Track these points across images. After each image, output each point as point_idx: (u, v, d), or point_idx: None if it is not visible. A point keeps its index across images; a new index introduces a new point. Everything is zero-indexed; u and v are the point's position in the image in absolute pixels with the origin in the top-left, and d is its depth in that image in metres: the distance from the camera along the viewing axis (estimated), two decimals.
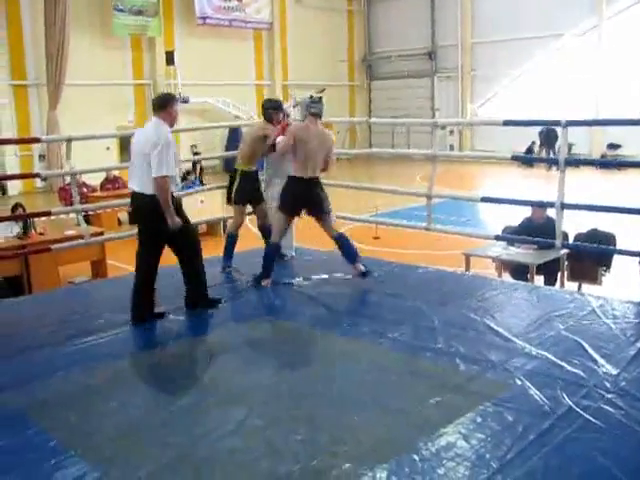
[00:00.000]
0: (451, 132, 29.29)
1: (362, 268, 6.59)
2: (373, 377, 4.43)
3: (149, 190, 5.29)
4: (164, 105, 5.44)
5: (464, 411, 3.77)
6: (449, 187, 14.08)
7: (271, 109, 7.04)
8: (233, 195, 7.09)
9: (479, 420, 3.68)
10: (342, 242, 6.60)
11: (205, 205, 12.17)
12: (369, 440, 3.57)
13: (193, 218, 6.59)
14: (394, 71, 32.41)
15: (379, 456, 3.39)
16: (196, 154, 22.16)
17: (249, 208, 7.30)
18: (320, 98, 6.63)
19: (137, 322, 5.49)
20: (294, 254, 7.65)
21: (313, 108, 6.46)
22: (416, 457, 3.33)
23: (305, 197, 6.47)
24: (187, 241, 5.65)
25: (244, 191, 7.05)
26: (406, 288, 6.39)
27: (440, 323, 5.29)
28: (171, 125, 5.45)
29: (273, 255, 6.66)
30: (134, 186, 5.44)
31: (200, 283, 5.81)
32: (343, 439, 3.58)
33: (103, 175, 15.82)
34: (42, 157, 22.03)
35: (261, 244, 7.22)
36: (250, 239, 8.05)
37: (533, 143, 24.71)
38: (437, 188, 7.51)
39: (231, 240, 7.23)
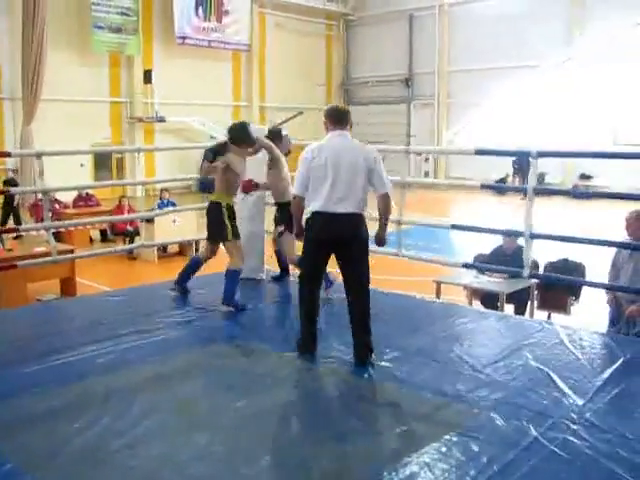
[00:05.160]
0: (426, 159, 29.52)
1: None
2: (336, 403, 4.39)
3: (361, 209, 4.93)
4: (349, 119, 5.11)
5: (429, 441, 3.74)
6: (422, 213, 14.11)
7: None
8: (231, 229, 6.34)
9: (444, 450, 3.65)
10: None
11: (178, 225, 12.13)
12: (332, 468, 3.53)
13: (166, 238, 6.41)
14: (371, 97, 32.66)
15: None
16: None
17: None
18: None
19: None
20: (264, 276, 7.61)
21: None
22: None
23: None
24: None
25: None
26: (375, 314, 6.33)
27: (408, 350, 5.27)
28: None
29: None
30: (349, 208, 4.85)
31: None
32: (306, 466, 3.54)
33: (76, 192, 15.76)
34: (14, 172, 21.80)
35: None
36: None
37: (507, 175, 25.17)
38: (409, 214, 7.54)
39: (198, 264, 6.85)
